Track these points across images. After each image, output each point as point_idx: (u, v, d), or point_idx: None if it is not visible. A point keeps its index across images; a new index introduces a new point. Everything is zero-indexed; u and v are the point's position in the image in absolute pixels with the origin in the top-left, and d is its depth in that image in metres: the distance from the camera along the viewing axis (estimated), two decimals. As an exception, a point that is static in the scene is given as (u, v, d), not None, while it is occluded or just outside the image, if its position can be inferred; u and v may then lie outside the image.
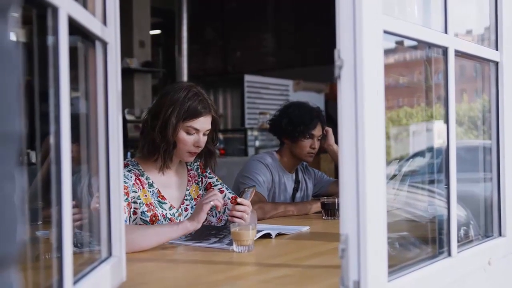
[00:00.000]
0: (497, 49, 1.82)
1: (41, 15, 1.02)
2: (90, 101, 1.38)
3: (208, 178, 2.43)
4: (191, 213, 2.31)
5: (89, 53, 1.34)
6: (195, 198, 2.37)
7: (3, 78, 0.55)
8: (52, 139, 1.01)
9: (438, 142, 1.95)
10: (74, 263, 1.05)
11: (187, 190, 2.36)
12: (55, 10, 0.99)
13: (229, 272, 1.67)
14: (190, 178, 2.40)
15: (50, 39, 1.02)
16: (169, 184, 2.30)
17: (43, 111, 1.05)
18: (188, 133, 2.20)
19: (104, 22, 1.35)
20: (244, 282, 1.57)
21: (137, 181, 2.18)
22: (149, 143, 2.22)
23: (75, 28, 1.11)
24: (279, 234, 2.19)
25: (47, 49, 1.03)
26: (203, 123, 2.22)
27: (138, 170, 2.23)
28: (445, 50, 1.52)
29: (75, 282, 1.08)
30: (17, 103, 0.57)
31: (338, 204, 2.67)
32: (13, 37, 0.58)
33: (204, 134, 2.24)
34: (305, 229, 2.37)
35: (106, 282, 1.29)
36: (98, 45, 1.34)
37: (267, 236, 2.12)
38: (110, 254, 1.37)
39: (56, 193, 1.01)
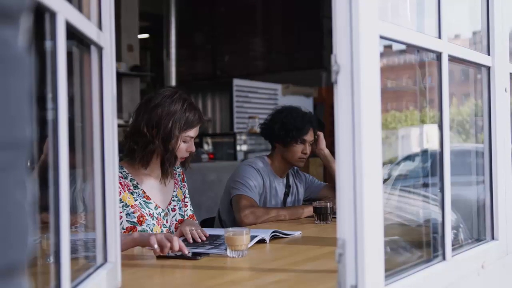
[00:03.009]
0: (489, 54, 1.83)
1: (38, 20, 1.01)
2: (85, 106, 1.37)
3: (186, 188, 2.54)
4: (179, 213, 2.41)
5: (84, 57, 1.33)
6: (181, 200, 2.46)
7: (15, 84, 0.54)
8: (49, 144, 1.00)
9: (428, 146, 1.96)
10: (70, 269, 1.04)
11: (174, 191, 2.44)
12: (53, 15, 0.99)
13: (224, 278, 1.67)
14: (176, 181, 2.48)
15: (47, 44, 1.01)
16: (155, 186, 2.36)
17: (39, 115, 1.04)
18: (184, 141, 2.31)
19: (100, 27, 1.35)
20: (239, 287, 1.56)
21: (119, 184, 2.21)
22: (150, 154, 2.27)
23: (71, 32, 1.11)
24: (273, 237, 2.20)
25: (44, 54, 1.02)
26: (197, 130, 2.35)
27: (122, 173, 2.27)
28: (439, 55, 1.53)
29: (72, 289, 1.07)
30: (28, 110, 0.57)
31: (330, 208, 2.69)
32: (24, 43, 0.58)
33: (194, 139, 2.36)
34: (298, 233, 2.37)
35: (102, 288, 1.28)
36: (93, 50, 1.33)
37: (261, 241, 2.12)
38: (105, 260, 1.36)
39: (53, 198, 1.00)
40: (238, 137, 7.41)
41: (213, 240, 2.14)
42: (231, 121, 8.04)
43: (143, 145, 2.25)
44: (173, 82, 8.52)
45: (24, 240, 0.56)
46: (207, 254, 1.91)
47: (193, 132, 2.32)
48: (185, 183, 2.55)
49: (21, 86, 0.56)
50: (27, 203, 0.56)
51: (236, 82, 8.11)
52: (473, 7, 2.00)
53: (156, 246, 1.82)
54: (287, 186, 3.17)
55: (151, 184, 2.35)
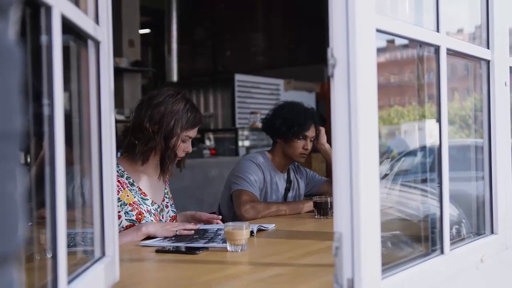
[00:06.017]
0: (488, 48, 1.83)
1: (34, 14, 1.01)
2: (82, 101, 1.37)
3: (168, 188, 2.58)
4: (172, 210, 2.47)
5: (81, 52, 1.33)
6: (171, 197, 2.51)
7: (5, 76, 0.55)
8: (45, 140, 1.00)
9: (430, 141, 1.96)
10: (67, 263, 1.04)
11: (166, 189, 2.49)
12: (48, 9, 0.99)
13: (223, 272, 1.67)
14: (166, 180, 2.52)
15: (43, 38, 1.01)
16: (149, 183, 2.40)
17: (34, 111, 1.04)
18: (183, 141, 2.34)
19: (97, 21, 1.35)
20: (238, 281, 1.57)
21: (117, 182, 2.23)
22: (150, 150, 2.30)
23: (67, 27, 1.11)
24: (259, 230, 2.25)
25: (39, 48, 1.02)
26: (196, 131, 2.40)
27: (118, 171, 2.29)
28: (437, 49, 1.53)
29: (69, 282, 1.08)
30: (18, 102, 0.58)
31: (331, 203, 2.68)
32: (13, 36, 0.58)
33: (192, 140, 2.40)
34: (272, 226, 2.40)
35: (100, 282, 1.28)
36: (90, 44, 1.33)
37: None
38: (103, 254, 1.37)
39: (50, 193, 1.00)
40: (240, 132, 7.42)
41: (203, 234, 2.14)
42: (233, 116, 8.03)
43: (145, 141, 2.28)
44: (175, 78, 8.52)
45: (15, 231, 0.56)
46: (206, 248, 1.91)
47: (192, 133, 2.36)
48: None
49: (11, 78, 0.56)
50: (17, 194, 0.57)
51: (238, 77, 8.10)
52: (474, 2, 2.00)
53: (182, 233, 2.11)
54: (288, 181, 3.17)
55: (145, 181, 2.38)
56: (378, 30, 1.25)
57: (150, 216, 2.30)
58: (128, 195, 2.27)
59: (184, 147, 2.35)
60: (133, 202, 2.27)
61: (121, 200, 2.23)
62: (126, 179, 2.31)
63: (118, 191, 2.23)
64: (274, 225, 2.43)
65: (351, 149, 1.17)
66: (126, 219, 2.23)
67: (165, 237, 2.10)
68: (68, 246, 1.11)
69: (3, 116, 0.55)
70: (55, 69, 1.01)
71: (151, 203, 2.34)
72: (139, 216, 2.25)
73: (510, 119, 1.92)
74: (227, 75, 8.46)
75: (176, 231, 2.13)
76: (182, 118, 2.30)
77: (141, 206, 2.28)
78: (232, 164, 3.35)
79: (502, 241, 1.85)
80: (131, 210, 2.24)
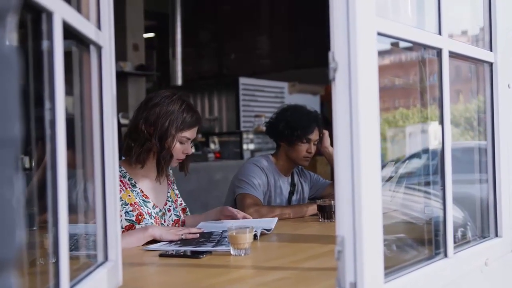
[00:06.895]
0: (491, 50, 1.82)
1: (35, 19, 1.02)
2: (85, 106, 1.38)
3: (176, 189, 2.58)
4: (174, 214, 2.46)
5: (84, 57, 1.34)
6: (174, 201, 2.50)
7: (3, 83, 0.55)
8: (47, 144, 1.01)
9: (434, 143, 1.95)
10: (70, 268, 1.04)
11: (168, 192, 2.48)
12: (49, 14, 0.99)
13: (226, 276, 1.67)
14: (169, 182, 2.52)
15: (44, 43, 1.02)
16: (152, 186, 2.40)
17: (37, 116, 1.04)
18: (181, 142, 2.34)
19: (99, 26, 1.35)
20: (241, 285, 1.56)
21: (119, 182, 2.23)
22: (146, 152, 2.31)
23: (69, 32, 1.11)
24: (262, 234, 2.24)
25: (41, 53, 1.03)
26: (195, 132, 2.38)
27: (120, 172, 2.30)
28: (439, 52, 1.52)
29: (71, 287, 1.08)
30: (17, 108, 0.58)
31: (334, 206, 2.67)
32: (11, 42, 0.58)
33: (191, 142, 2.39)
34: (274, 222, 2.42)
35: (103, 286, 1.28)
36: (92, 49, 1.33)
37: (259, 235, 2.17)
38: (106, 258, 1.37)
39: (52, 198, 1.00)
40: (244, 136, 7.41)
41: (208, 238, 2.14)
42: (238, 119, 8.03)
43: (141, 143, 2.29)
44: (179, 81, 8.53)
45: (12, 237, 0.56)
46: (210, 252, 1.91)
47: (189, 134, 2.35)
48: (175, 185, 2.59)
49: (9, 85, 0.56)
50: (15, 200, 0.57)
51: (242, 80, 8.10)
52: (478, 4, 1.99)
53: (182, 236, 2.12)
54: (292, 184, 3.17)
55: (147, 184, 2.38)
56: (379, 33, 1.25)
57: (150, 218, 2.30)
58: (129, 195, 2.28)
59: (183, 149, 2.35)
60: (134, 203, 2.27)
61: (122, 200, 2.23)
62: (129, 180, 2.32)
63: (120, 190, 2.23)
64: (276, 218, 2.44)
65: (353, 152, 1.17)
66: (126, 219, 2.23)
67: (171, 241, 2.10)
68: (70, 249, 1.12)
69: (1, 123, 0.55)
70: (56, 74, 1.01)
71: (153, 206, 2.34)
72: (139, 217, 2.26)
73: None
74: (232, 78, 8.47)
75: (182, 235, 2.13)
76: (177, 118, 2.29)
77: (141, 207, 2.29)
78: (236, 167, 3.35)
79: (506, 244, 1.84)
80: (132, 211, 2.25)
